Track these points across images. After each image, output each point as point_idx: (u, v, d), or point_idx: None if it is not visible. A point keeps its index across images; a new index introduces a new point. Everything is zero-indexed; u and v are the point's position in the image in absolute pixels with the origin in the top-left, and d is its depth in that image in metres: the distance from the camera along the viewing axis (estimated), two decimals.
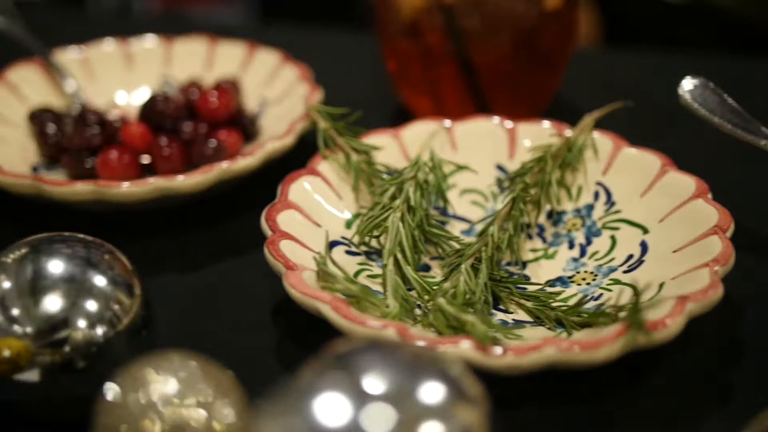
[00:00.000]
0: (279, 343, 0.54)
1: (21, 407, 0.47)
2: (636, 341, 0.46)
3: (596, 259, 0.58)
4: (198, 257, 0.62)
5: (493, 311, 0.54)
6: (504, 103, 0.69)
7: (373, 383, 0.36)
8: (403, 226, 0.55)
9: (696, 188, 0.56)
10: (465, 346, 0.46)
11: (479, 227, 0.60)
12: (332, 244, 0.56)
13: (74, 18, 1.05)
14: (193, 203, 0.63)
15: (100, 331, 0.46)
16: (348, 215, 0.59)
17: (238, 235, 0.63)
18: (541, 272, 0.58)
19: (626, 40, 1.11)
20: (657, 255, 0.55)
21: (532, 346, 0.46)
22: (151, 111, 0.68)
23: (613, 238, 0.58)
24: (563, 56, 0.72)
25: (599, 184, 0.61)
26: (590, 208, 0.60)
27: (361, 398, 0.35)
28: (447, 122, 0.64)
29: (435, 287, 0.54)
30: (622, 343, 0.46)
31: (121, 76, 0.76)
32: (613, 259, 0.57)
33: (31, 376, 0.45)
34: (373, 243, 0.58)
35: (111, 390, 0.40)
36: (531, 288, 0.56)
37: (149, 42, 0.77)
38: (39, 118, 0.69)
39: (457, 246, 0.58)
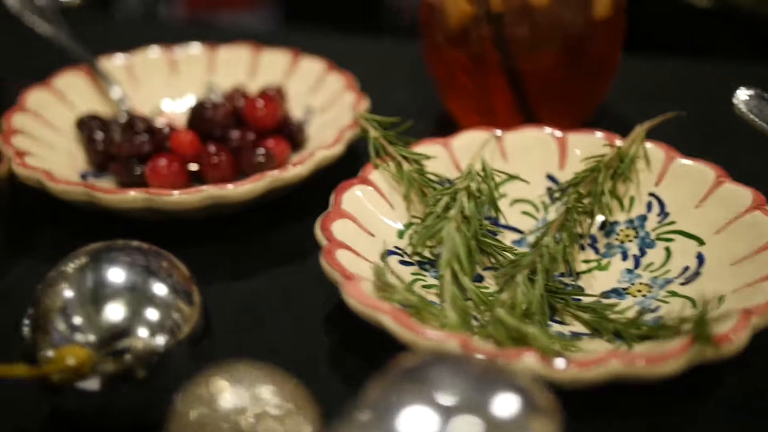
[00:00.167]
0: (331, 353, 0.54)
1: (80, 416, 0.47)
2: (703, 355, 0.46)
3: (651, 271, 0.57)
4: (246, 266, 0.61)
5: (550, 323, 0.54)
6: (549, 112, 0.69)
7: (450, 397, 0.36)
8: (459, 236, 0.55)
9: (753, 200, 0.56)
10: (529, 359, 0.45)
11: (531, 238, 0.60)
12: (387, 254, 0.56)
13: (105, 22, 1.05)
14: (240, 212, 0.63)
15: (161, 340, 0.45)
16: (400, 225, 0.59)
17: (286, 243, 0.63)
18: (595, 283, 0.57)
19: (646, 48, 1.10)
20: (714, 267, 0.55)
21: (597, 359, 0.45)
22: (199, 118, 0.68)
23: (667, 249, 0.58)
24: (612, 65, 0.71)
25: (652, 194, 0.60)
26: (643, 218, 0.60)
27: (443, 413, 0.35)
28: (497, 132, 0.63)
29: (491, 298, 0.54)
30: (689, 357, 0.46)
31: (166, 83, 0.76)
32: (668, 270, 0.56)
33: (92, 384, 0.45)
34: (425, 253, 0.58)
35: (182, 401, 0.39)
36: (586, 299, 0.56)
37: (194, 49, 0.77)
38: (87, 125, 0.69)
39: (511, 256, 0.57)
